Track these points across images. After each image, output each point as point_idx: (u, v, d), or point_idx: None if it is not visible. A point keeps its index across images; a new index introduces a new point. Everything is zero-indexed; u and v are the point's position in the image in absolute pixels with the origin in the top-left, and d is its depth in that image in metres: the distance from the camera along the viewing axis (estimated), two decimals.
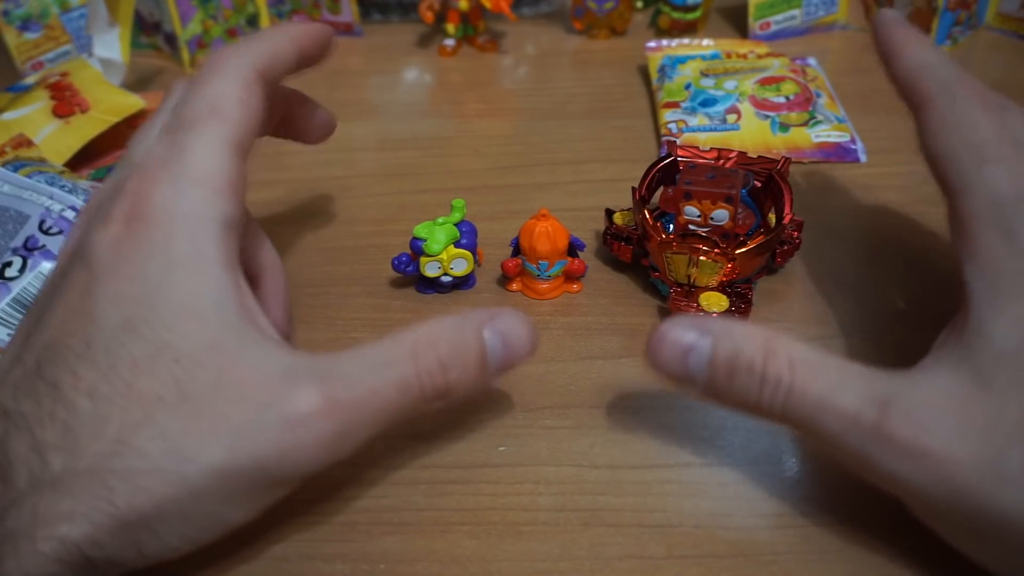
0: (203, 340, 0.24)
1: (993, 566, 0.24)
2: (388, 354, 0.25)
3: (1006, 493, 0.21)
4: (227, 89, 0.27)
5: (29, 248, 0.33)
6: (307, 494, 0.28)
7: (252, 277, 0.31)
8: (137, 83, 0.57)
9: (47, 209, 0.34)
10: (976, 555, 0.24)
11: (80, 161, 0.47)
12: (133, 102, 0.48)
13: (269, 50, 0.29)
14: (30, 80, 0.50)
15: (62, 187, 0.36)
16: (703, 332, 0.25)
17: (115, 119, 0.47)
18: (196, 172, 0.25)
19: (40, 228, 0.34)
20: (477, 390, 0.26)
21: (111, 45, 0.51)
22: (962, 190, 0.26)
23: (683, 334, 0.25)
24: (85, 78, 0.49)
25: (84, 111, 0.47)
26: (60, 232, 0.34)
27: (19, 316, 0.32)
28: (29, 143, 0.44)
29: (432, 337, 0.25)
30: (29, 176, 0.36)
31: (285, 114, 0.35)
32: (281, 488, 0.25)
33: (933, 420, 0.22)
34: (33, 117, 0.46)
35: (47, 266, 0.33)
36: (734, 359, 0.25)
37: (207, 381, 0.23)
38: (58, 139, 0.45)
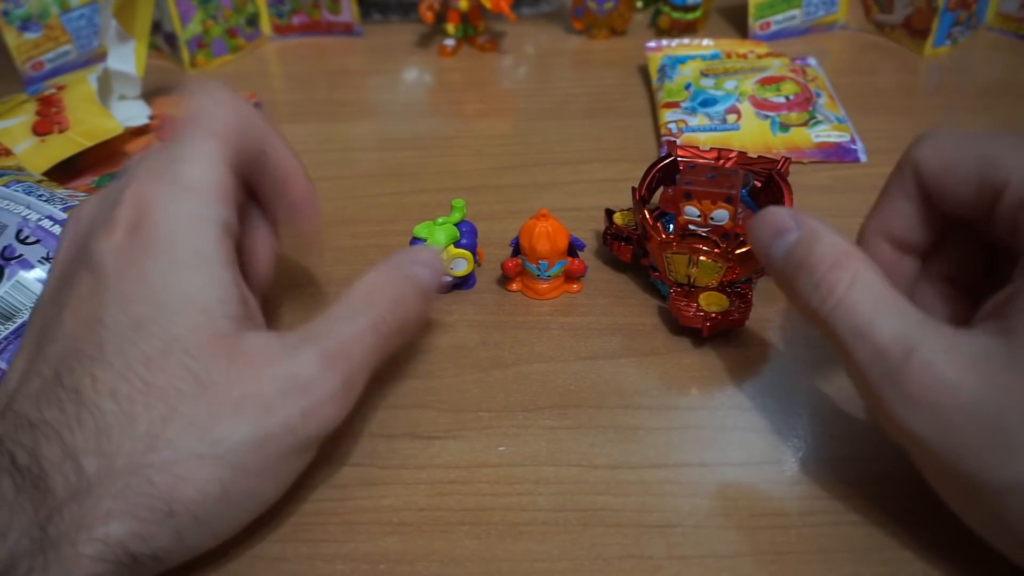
0: (210, 331, 0.25)
1: (986, 534, 0.23)
2: (351, 307, 0.27)
3: (1009, 465, 0.21)
4: (209, 108, 0.28)
5: (6, 258, 0.33)
6: (307, 493, 0.29)
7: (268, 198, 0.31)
8: None
9: (24, 219, 0.34)
10: (972, 522, 0.24)
11: (78, 169, 0.46)
12: (112, 127, 0.46)
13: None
14: (42, 85, 0.50)
15: (39, 196, 0.35)
16: (797, 224, 0.27)
17: (88, 143, 0.45)
18: (190, 179, 0.26)
19: (17, 238, 0.33)
20: (424, 319, 0.29)
21: (126, 58, 0.50)
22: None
23: (782, 219, 0.27)
24: (76, 95, 0.48)
25: (62, 131, 0.45)
26: (37, 241, 0.33)
27: None
28: (7, 152, 0.43)
29: (378, 283, 0.28)
30: (7, 185, 0.36)
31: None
32: (306, 453, 0.26)
33: (952, 379, 0.22)
34: (14, 130, 0.46)
35: (25, 276, 0.32)
36: (806, 256, 0.26)
37: (220, 368, 0.24)
38: (29, 157, 0.44)
